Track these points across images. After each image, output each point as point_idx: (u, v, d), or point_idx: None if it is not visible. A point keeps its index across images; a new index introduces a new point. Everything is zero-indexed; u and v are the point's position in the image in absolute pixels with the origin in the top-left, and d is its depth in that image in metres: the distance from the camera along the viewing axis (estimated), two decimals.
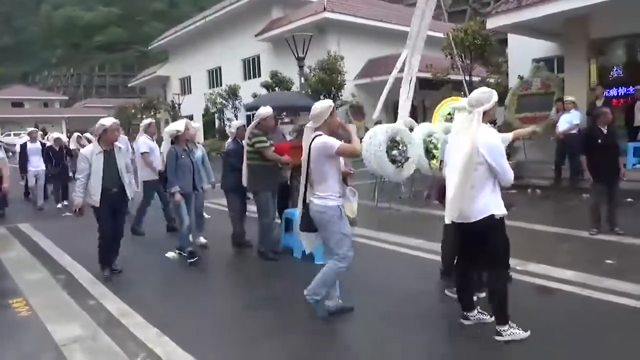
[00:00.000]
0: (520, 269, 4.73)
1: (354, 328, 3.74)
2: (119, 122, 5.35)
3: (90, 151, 5.00)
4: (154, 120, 8.08)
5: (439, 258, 4.79)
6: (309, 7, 23.57)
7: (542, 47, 12.50)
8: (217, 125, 27.57)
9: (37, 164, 9.83)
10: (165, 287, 5.01)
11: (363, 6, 23.73)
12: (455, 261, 3.74)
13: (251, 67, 27.82)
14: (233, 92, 24.96)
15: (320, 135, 3.68)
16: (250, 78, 27.45)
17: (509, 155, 4.52)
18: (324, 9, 21.20)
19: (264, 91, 21.31)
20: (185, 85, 34.98)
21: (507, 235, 3.41)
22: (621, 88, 11.01)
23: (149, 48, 39.67)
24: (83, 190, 4.96)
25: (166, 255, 5.53)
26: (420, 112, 20.44)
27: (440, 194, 4.17)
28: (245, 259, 5.91)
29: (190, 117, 27.29)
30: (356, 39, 22.33)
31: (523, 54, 12.98)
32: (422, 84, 15.21)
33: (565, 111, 9.54)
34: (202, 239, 6.28)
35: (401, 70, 7.75)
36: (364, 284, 4.48)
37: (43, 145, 10.16)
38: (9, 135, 36.22)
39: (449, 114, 7.95)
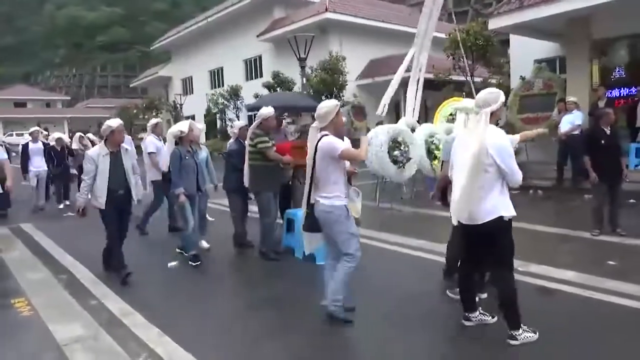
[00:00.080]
0: (521, 270, 4.71)
1: (355, 328, 3.74)
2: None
3: (96, 153, 4.96)
4: (161, 120, 8.09)
5: (440, 259, 4.80)
6: (311, 7, 23.58)
7: (544, 48, 12.49)
8: (218, 126, 27.62)
9: (38, 164, 9.82)
10: (166, 287, 5.02)
11: (365, 7, 23.75)
12: (460, 262, 3.73)
13: (253, 68, 27.85)
14: (235, 93, 25.00)
15: (326, 135, 3.67)
16: (252, 78, 27.47)
17: None
18: (326, 10, 21.21)
19: (265, 91, 21.32)
20: (187, 86, 35.02)
21: (512, 237, 3.39)
22: (623, 89, 11.00)
23: (151, 48, 39.70)
24: (88, 192, 4.93)
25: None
26: (422, 113, 20.40)
27: (443, 195, 4.17)
28: (247, 259, 5.91)
29: (192, 118, 27.34)
30: (358, 40, 22.34)
31: (525, 54, 12.97)
32: (424, 85, 15.15)
33: (567, 112, 9.52)
34: (204, 243, 6.21)
35: (407, 70, 7.71)
36: (365, 284, 4.47)
37: (45, 145, 10.17)
38: (11, 135, 36.29)
39: (451, 114, 7.95)
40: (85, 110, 55.97)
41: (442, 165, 4.44)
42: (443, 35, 14.65)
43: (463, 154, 3.29)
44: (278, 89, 21.08)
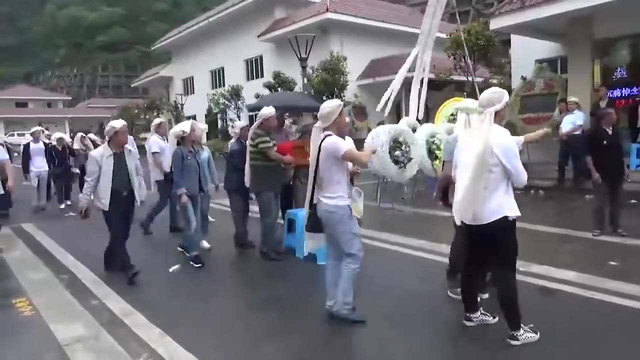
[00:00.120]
0: (523, 270, 4.70)
1: (356, 328, 3.74)
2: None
3: (100, 154, 4.91)
4: (164, 120, 8.08)
5: (441, 259, 4.79)
6: (312, 7, 23.60)
7: (546, 48, 12.48)
8: (219, 126, 27.62)
9: (39, 165, 9.81)
10: (168, 287, 5.01)
11: (365, 7, 23.75)
12: (464, 262, 3.71)
13: (254, 68, 27.86)
14: (236, 93, 25.01)
15: (330, 135, 3.66)
16: (253, 78, 27.48)
17: None
18: (327, 10, 21.21)
19: (266, 92, 21.33)
20: (188, 86, 35.04)
21: (516, 238, 3.38)
22: (625, 89, 10.98)
23: (152, 48, 39.74)
24: (90, 193, 4.91)
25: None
26: (423, 113, 20.39)
27: (444, 195, 4.17)
28: (248, 259, 5.91)
29: (193, 118, 27.35)
30: (359, 40, 22.34)
31: (526, 54, 12.96)
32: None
33: (568, 112, 9.51)
34: (205, 243, 6.21)
35: (411, 70, 7.70)
36: (366, 284, 4.47)
37: (46, 145, 10.18)
38: (13, 135, 36.35)
39: (452, 114, 7.96)
40: (87, 110, 56.07)
41: (443, 165, 4.43)
42: (444, 35, 14.65)
43: (467, 154, 3.26)
44: (279, 89, 21.09)
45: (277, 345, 3.52)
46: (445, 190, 4.13)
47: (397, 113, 16.95)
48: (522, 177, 3.21)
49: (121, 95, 68.25)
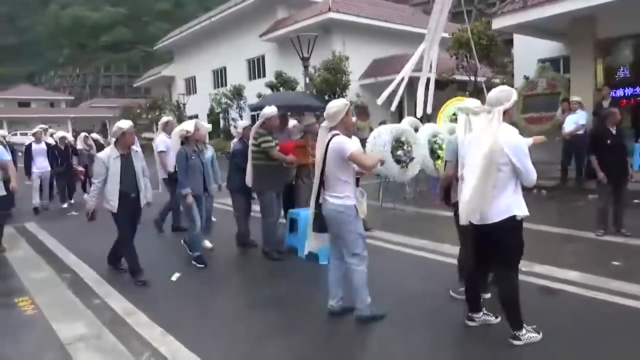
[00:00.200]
0: (525, 270, 4.69)
1: (358, 328, 3.74)
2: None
3: (107, 155, 4.82)
4: (171, 118, 8.06)
5: (443, 258, 4.78)
6: (314, 7, 23.58)
7: (548, 47, 12.46)
8: (222, 125, 27.63)
9: (41, 165, 9.75)
10: (170, 286, 5.01)
11: (368, 6, 23.72)
12: (471, 262, 3.69)
13: (256, 67, 27.87)
14: (238, 92, 25.00)
15: (337, 134, 3.65)
16: (255, 78, 27.49)
17: None
18: (329, 9, 21.20)
19: (268, 91, 21.32)
20: (190, 86, 35.06)
21: (523, 238, 3.35)
22: (627, 88, 10.95)
23: (154, 48, 39.77)
24: (98, 195, 4.85)
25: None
26: (425, 113, 20.37)
27: (446, 195, 4.16)
28: (250, 258, 5.92)
29: (195, 117, 27.37)
30: (361, 39, 22.31)
31: (528, 54, 12.94)
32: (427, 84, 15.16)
33: (571, 111, 9.48)
34: (207, 243, 6.21)
35: (417, 69, 7.67)
36: (368, 284, 4.43)
37: (48, 145, 10.16)
38: (15, 134, 36.44)
39: (454, 114, 7.95)
40: (89, 110, 56.17)
41: (445, 165, 4.42)
42: (446, 35, 14.62)
43: (475, 153, 3.21)
44: (281, 88, 21.08)
45: (279, 344, 3.52)
46: (447, 190, 4.12)
47: (399, 112, 16.93)
48: (532, 176, 3.18)
49: (123, 95, 68.37)
